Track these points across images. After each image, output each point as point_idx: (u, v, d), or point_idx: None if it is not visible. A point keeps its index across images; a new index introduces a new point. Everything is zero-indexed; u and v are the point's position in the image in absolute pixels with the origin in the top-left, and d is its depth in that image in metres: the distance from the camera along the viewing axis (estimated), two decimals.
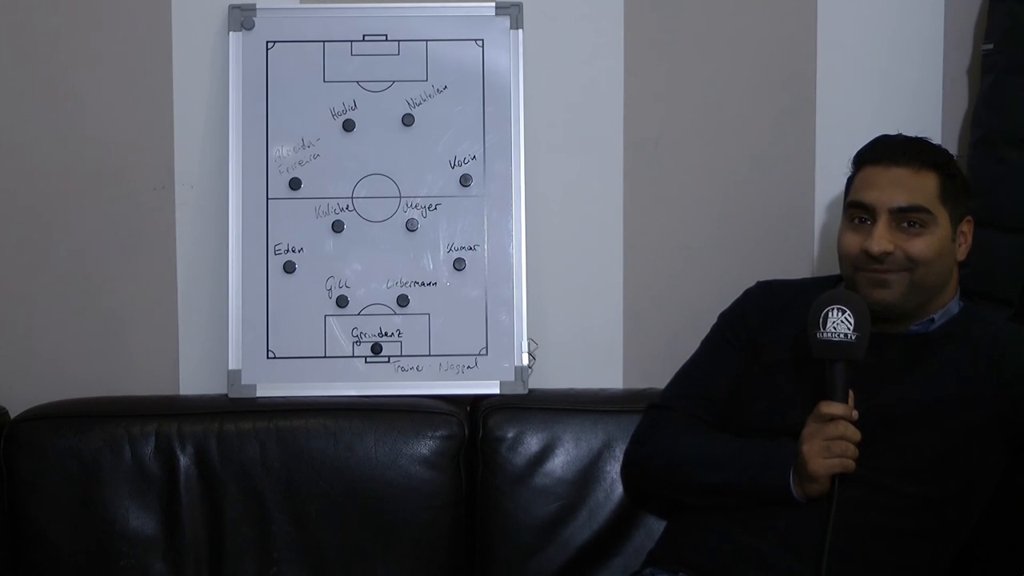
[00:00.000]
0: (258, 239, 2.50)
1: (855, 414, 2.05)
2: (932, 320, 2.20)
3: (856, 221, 2.18)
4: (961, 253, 2.21)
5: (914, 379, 2.14)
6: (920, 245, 2.14)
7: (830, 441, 2.04)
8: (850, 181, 2.24)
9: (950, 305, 2.21)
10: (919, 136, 2.23)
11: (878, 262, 2.13)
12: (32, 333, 2.56)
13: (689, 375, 2.35)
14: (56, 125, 2.54)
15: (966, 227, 2.21)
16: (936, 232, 2.15)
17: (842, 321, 2.05)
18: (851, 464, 2.04)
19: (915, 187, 2.15)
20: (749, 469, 2.14)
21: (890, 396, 2.13)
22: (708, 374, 2.32)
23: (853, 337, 2.04)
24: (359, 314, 2.51)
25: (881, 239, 2.13)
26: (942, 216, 2.15)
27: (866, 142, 2.23)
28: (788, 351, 2.22)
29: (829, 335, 2.05)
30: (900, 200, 2.14)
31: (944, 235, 2.16)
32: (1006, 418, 2.11)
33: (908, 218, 2.14)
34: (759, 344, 2.28)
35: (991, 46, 2.43)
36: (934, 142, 2.24)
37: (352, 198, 2.51)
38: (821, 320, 2.06)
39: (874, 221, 2.15)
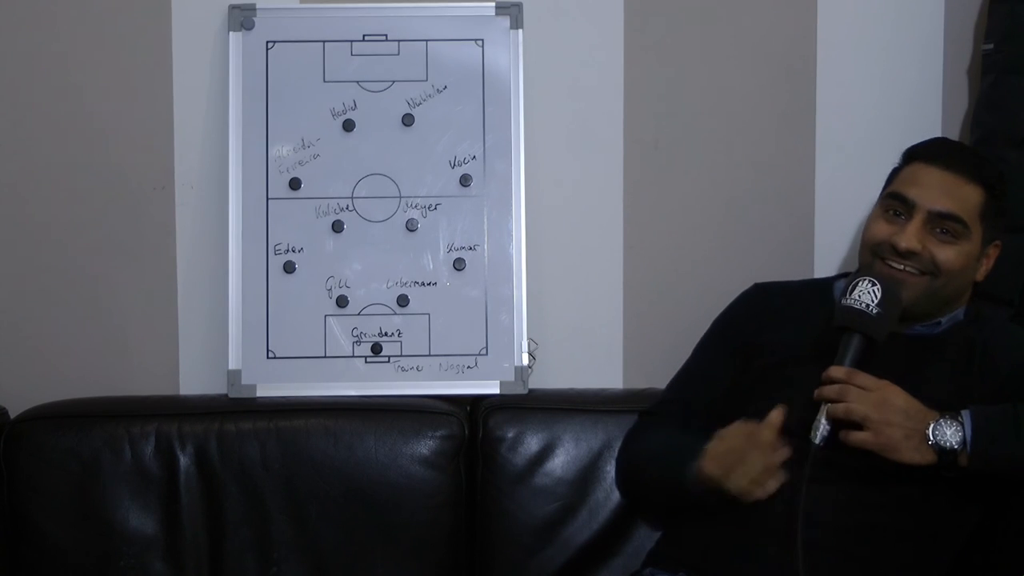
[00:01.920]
0: (258, 239, 2.50)
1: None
2: (939, 323, 2.20)
3: (891, 212, 2.17)
4: (981, 274, 2.21)
5: (914, 379, 2.13)
6: (948, 253, 2.13)
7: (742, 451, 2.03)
8: (895, 172, 2.23)
9: (957, 312, 2.21)
10: (971, 146, 2.20)
11: (901, 258, 2.13)
12: (32, 333, 2.56)
13: (679, 380, 2.36)
14: (56, 125, 2.54)
15: (992, 251, 2.20)
16: (965, 246, 2.14)
17: (867, 291, 2.04)
18: (743, 483, 2.02)
19: (960, 196, 2.13)
20: (673, 459, 2.14)
21: None
22: (696, 379, 2.33)
23: (874, 311, 2.03)
24: (359, 314, 2.50)
25: (911, 237, 2.12)
26: (976, 232, 2.14)
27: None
28: (785, 353, 2.21)
29: (852, 302, 2.04)
30: (942, 205, 2.13)
31: (972, 251, 2.15)
32: None
33: (943, 225, 2.13)
34: (755, 346, 2.26)
35: (991, 46, 2.43)
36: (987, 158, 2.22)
37: (352, 198, 2.51)
38: (849, 289, 2.06)
39: (909, 217, 2.14)
